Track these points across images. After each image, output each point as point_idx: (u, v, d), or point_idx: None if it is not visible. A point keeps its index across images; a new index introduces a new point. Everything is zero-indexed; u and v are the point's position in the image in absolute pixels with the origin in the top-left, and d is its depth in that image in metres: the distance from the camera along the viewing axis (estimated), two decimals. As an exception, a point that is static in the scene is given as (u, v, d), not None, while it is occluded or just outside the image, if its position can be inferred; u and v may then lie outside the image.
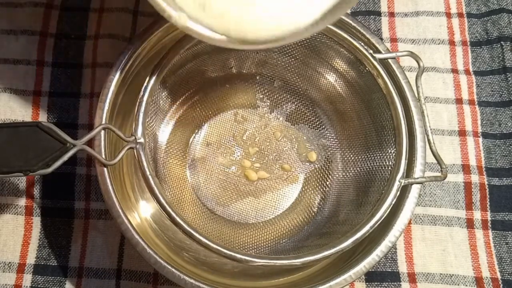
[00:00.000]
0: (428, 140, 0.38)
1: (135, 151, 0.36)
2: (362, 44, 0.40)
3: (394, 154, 0.39)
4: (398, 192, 0.37)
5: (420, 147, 0.39)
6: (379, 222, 0.36)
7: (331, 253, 0.35)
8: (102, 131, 0.37)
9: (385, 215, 0.37)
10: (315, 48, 0.43)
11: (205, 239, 0.35)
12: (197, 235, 0.35)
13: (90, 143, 0.36)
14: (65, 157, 0.33)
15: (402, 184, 0.37)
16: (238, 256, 0.35)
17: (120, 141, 0.42)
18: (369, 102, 0.43)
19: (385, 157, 0.40)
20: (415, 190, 0.39)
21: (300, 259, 0.35)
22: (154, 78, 0.38)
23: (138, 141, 0.36)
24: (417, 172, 0.39)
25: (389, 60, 0.41)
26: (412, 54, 0.40)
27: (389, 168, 0.39)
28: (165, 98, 0.43)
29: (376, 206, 0.37)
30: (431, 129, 0.39)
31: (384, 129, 0.41)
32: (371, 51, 0.40)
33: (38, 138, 0.33)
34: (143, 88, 0.38)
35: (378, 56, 0.40)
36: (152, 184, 0.35)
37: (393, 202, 0.37)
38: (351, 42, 0.40)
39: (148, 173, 0.36)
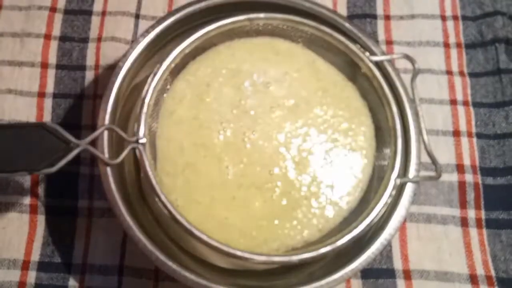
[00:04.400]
0: (423, 140, 0.39)
1: (137, 151, 0.37)
2: (358, 46, 0.41)
3: (389, 154, 0.40)
4: (394, 191, 0.38)
5: (415, 147, 0.40)
6: (375, 221, 0.37)
7: (328, 250, 0.36)
8: (105, 131, 0.38)
9: (381, 214, 0.37)
10: (316, 49, 0.44)
11: (205, 236, 0.35)
12: (197, 232, 0.35)
13: (93, 143, 0.37)
14: (69, 157, 0.34)
15: (398, 183, 0.38)
16: (238, 253, 0.35)
17: (122, 140, 0.43)
18: (366, 102, 0.43)
19: (381, 157, 0.41)
20: (410, 189, 0.40)
21: (298, 256, 0.36)
22: (156, 79, 0.39)
23: (140, 141, 0.37)
24: (412, 171, 0.40)
25: (385, 63, 0.42)
26: (407, 57, 0.41)
27: (385, 168, 0.40)
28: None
29: (372, 205, 0.38)
30: (426, 130, 0.39)
31: (380, 130, 0.42)
32: (366, 53, 0.41)
33: (42, 138, 0.34)
34: (145, 89, 0.39)
35: (373, 58, 0.41)
36: (154, 183, 0.36)
37: (388, 201, 0.38)
38: (346, 44, 0.41)
39: (150, 172, 0.36)
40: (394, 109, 0.40)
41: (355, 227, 0.37)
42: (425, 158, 0.40)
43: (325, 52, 0.43)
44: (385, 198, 0.38)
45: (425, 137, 0.39)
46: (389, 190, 0.38)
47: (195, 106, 0.41)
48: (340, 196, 0.40)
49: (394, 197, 0.39)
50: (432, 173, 0.39)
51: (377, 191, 0.39)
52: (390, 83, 0.42)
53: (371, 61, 0.41)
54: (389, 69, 0.42)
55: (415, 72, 0.40)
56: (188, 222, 0.36)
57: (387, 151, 0.40)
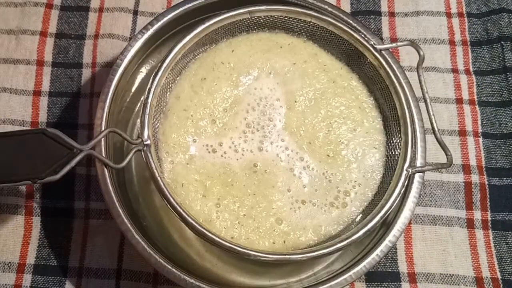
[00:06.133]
0: (433, 127, 0.38)
1: (142, 153, 0.36)
2: (363, 35, 0.40)
3: (399, 144, 0.39)
4: (407, 181, 0.37)
5: (420, 138, 0.39)
6: (389, 212, 0.36)
7: (344, 245, 0.35)
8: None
9: (394, 205, 0.36)
10: (317, 41, 0.43)
11: (217, 238, 0.34)
12: (210, 234, 0.34)
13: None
14: (73, 163, 0.32)
15: (410, 173, 0.37)
16: (252, 253, 0.34)
17: (119, 140, 0.42)
18: (372, 93, 0.42)
19: (390, 147, 0.40)
20: (415, 190, 0.39)
21: (312, 253, 0.35)
22: (157, 79, 0.38)
23: (145, 143, 0.36)
24: (419, 161, 0.39)
25: (390, 60, 0.41)
26: (412, 44, 0.40)
27: (396, 158, 0.39)
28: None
29: (385, 196, 0.37)
30: (434, 117, 0.38)
31: (387, 120, 0.41)
32: (372, 42, 0.40)
33: (44, 145, 0.32)
34: (147, 90, 0.37)
35: (379, 47, 0.40)
36: (162, 186, 0.35)
37: (401, 191, 0.37)
38: (352, 35, 0.40)
39: (157, 175, 0.35)
40: (403, 97, 0.39)
41: (370, 220, 0.36)
42: (430, 158, 0.39)
43: (327, 45, 0.42)
44: (398, 189, 0.36)
45: (435, 124, 0.38)
46: (402, 180, 0.37)
47: (202, 104, 0.40)
48: (353, 190, 0.39)
49: (400, 197, 0.38)
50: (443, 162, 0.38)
51: (389, 182, 0.38)
52: (394, 75, 0.41)
53: (376, 50, 0.40)
54: (395, 67, 0.41)
55: (421, 59, 0.39)
56: (199, 224, 0.35)
57: (397, 141, 0.39)
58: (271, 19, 0.41)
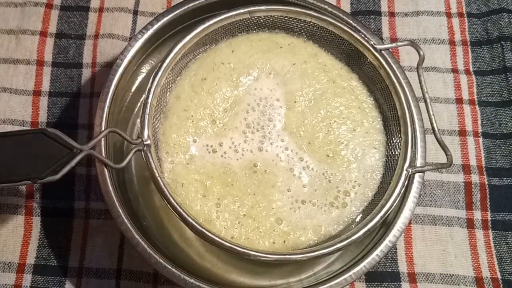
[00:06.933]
0: (433, 127, 0.38)
1: (142, 153, 0.36)
2: (363, 35, 0.41)
3: (399, 144, 0.39)
4: (407, 181, 0.37)
5: (420, 139, 0.40)
6: (389, 212, 0.36)
7: (344, 245, 0.35)
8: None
9: (394, 205, 0.36)
10: (317, 41, 0.43)
11: (217, 238, 0.34)
12: (209, 234, 0.34)
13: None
14: (73, 163, 0.32)
15: (410, 173, 0.37)
16: (252, 253, 0.34)
17: (119, 140, 0.42)
18: (372, 93, 0.42)
19: (390, 147, 0.40)
20: (415, 190, 0.39)
21: (312, 253, 0.35)
22: (157, 79, 0.38)
23: (145, 143, 0.36)
24: (419, 161, 0.39)
25: (390, 60, 0.41)
26: (412, 44, 0.40)
27: (396, 158, 0.39)
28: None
29: (385, 196, 0.37)
30: (434, 117, 0.38)
31: (387, 120, 0.41)
32: (372, 42, 0.40)
33: (44, 144, 0.33)
34: (147, 90, 0.37)
35: (379, 47, 0.40)
36: (162, 186, 0.35)
37: (401, 191, 0.37)
38: (352, 35, 0.40)
39: (157, 175, 0.35)
40: (403, 97, 0.39)
41: (370, 220, 0.36)
42: (430, 158, 0.39)
43: (327, 45, 0.43)
44: (398, 189, 0.37)
45: (435, 124, 0.38)
46: (402, 180, 0.37)
47: (203, 105, 0.40)
48: (353, 191, 0.39)
49: (400, 197, 0.38)
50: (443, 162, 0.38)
51: (389, 182, 0.38)
52: (394, 75, 0.41)
53: (376, 49, 0.40)
54: (395, 67, 0.41)
55: (421, 59, 0.40)
56: (199, 224, 0.35)
57: (396, 141, 0.39)
58: (271, 19, 0.41)
